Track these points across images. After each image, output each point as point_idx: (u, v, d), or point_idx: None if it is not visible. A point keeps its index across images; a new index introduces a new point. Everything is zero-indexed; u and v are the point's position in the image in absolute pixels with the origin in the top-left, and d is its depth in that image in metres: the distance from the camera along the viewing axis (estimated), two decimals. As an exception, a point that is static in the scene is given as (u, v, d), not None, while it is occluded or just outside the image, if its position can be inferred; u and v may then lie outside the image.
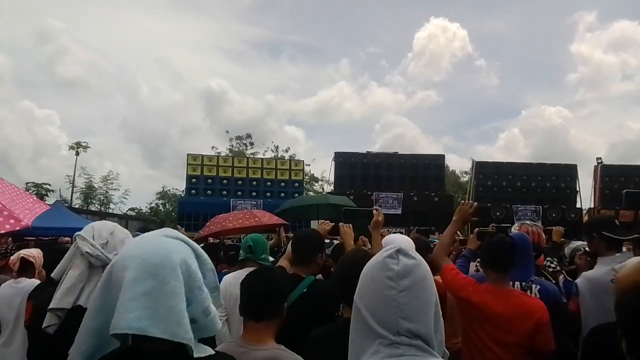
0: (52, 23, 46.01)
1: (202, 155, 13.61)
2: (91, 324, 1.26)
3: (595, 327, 1.97)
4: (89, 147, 25.23)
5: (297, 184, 14.40)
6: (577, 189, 15.40)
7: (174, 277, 1.16)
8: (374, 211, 2.90)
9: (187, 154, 13.36)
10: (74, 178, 24.16)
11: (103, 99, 51.11)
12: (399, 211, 13.80)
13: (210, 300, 1.26)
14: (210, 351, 1.25)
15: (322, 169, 31.63)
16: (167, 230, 1.33)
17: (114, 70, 52.14)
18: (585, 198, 15.52)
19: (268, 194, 13.65)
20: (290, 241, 3.12)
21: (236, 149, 30.97)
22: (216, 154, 23.30)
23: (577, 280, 3.00)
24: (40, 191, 21.79)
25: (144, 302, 1.12)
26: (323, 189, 28.69)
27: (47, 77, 46.31)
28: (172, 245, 1.24)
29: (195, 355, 1.16)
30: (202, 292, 1.23)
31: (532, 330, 2.45)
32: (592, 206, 14.99)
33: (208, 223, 7.07)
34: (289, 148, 32.77)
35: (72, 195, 24.17)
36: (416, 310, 1.03)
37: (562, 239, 4.23)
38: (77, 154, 24.41)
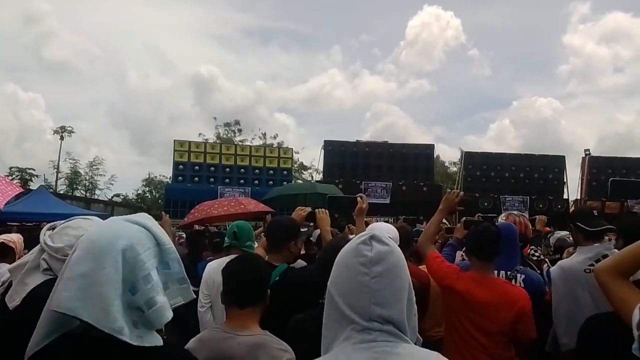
0: (39, 5, 45.28)
1: (190, 142, 13.54)
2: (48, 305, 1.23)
3: (591, 316, 1.95)
4: (73, 132, 25.03)
5: (285, 172, 14.37)
6: (565, 180, 15.56)
7: (112, 263, 1.13)
8: (358, 198, 2.87)
9: (174, 140, 13.28)
10: (58, 163, 23.90)
11: (90, 83, 50.65)
12: (387, 200, 13.84)
13: (158, 292, 1.19)
14: (158, 342, 1.21)
15: (311, 157, 31.58)
16: (139, 216, 1.30)
17: (102, 55, 51.61)
18: (573, 189, 15.70)
19: (256, 181, 13.61)
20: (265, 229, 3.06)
21: (224, 136, 30.75)
22: (203, 140, 23.14)
23: (552, 269, 3.01)
24: (24, 176, 21.55)
25: (79, 283, 1.11)
26: (312, 177, 28.72)
27: (33, 60, 45.66)
28: (125, 230, 1.21)
29: (135, 344, 1.13)
30: (148, 282, 1.18)
31: (514, 319, 2.46)
32: (579, 197, 15.14)
33: (193, 210, 7.01)
34: (277, 135, 32.72)
35: (56, 181, 23.92)
36: (389, 297, 1.03)
37: (547, 229, 4.25)
38: (62, 138, 24.21)
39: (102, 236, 1.18)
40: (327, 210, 3.05)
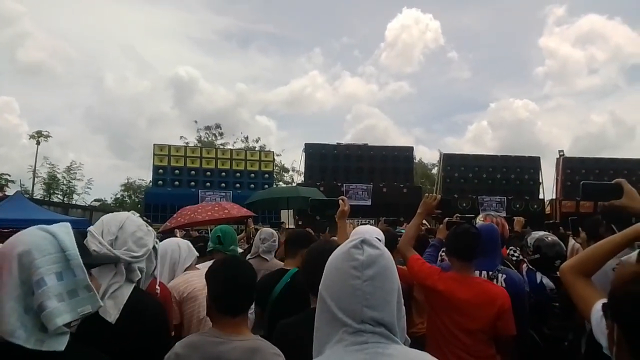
0: (13, 6, 44.02)
1: (170, 146, 13.37)
2: None
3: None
4: (50, 136, 24.45)
5: (267, 175, 14.33)
6: (540, 181, 15.90)
7: (7, 267, 1.18)
8: (340, 201, 2.91)
9: (154, 144, 13.10)
10: (34, 168, 23.36)
11: (66, 86, 49.65)
12: (368, 202, 13.93)
13: (49, 297, 1.20)
14: (59, 347, 1.21)
15: (293, 160, 31.54)
16: (56, 225, 1.33)
17: (78, 57, 50.55)
18: (548, 189, 16.05)
19: (237, 185, 13.55)
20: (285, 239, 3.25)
21: (205, 140, 30.49)
22: (184, 144, 22.90)
23: None
24: None
25: None
26: (293, 179, 28.66)
27: (7, 62, 44.43)
28: (27, 237, 1.24)
29: (30, 347, 1.16)
30: (40, 287, 1.19)
31: (495, 317, 2.52)
32: (554, 197, 15.49)
33: (175, 215, 6.96)
34: (259, 138, 32.58)
35: (33, 186, 23.37)
36: (380, 299, 1.05)
37: (524, 229, 4.34)
38: (38, 143, 23.67)
39: (5, 244, 1.23)
40: None
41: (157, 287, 2.19)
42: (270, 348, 1.76)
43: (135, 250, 1.85)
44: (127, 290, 1.78)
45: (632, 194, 1.94)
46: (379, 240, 1.76)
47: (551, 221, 11.42)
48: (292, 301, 2.35)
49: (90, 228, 1.90)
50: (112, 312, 1.70)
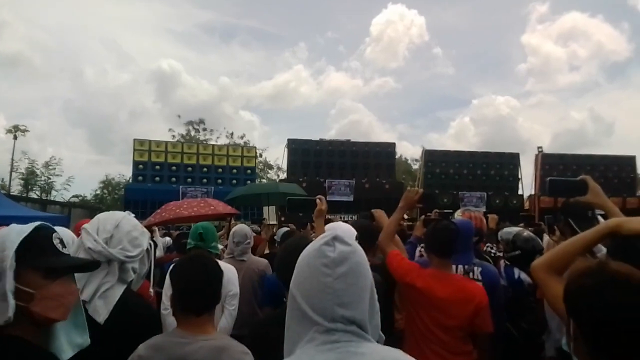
0: (-11, -5, 42.79)
1: (150, 141, 13.17)
2: None
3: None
4: (27, 130, 23.94)
5: (249, 171, 14.26)
6: (519, 177, 16.12)
7: None
8: (318, 200, 2.90)
9: (134, 139, 12.92)
10: (12, 163, 22.85)
11: (44, 79, 48.63)
12: (350, 198, 13.97)
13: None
14: None
15: (277, 156, 31.46)
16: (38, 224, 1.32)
17: (58, 49, 49.50)
18: (527, 185, 16.28)
19: (219, 180, 13.44)
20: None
21: (190, 136, 30.22)
22: (172, 137, 22.65)
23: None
24: (-26, 177, 20.45)
25: None
26: (278, 176, 28.57)
27: (-17, 53, 43.25)
28: None
29: None
30: None
31: (472, 314, 2.54)
32: (533, 193, 15.74)
33: (159, 210, 6.84)
34: (244, 135, 32.41)
35: (10, 182, 22.86)
36: (352, 297, 1.03)
37: (498, 225, 4.40)
38: (15, 137, 23.14)
39: None
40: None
41: (151, 290, 2.19)
42: (237, 346, 1.73)
43: (130, 250, 1.83)
44: (119, 290, 1.77)
45: (596, 190, 1.98)
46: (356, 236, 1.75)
47: (526, 213, 11.62)
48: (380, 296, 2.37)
49: (85, 225, 1.88)
50: (101, 312, 1.69)
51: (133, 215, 2.02)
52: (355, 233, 2.60)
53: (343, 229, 2.68)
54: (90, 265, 1.50)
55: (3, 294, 1.19)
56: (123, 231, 1.86)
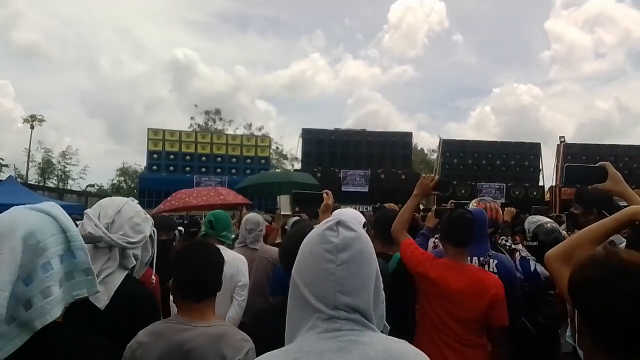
0: (6, -16, 43.43)
1: (164, 130, 13.24)
2: None
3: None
4: (44, 120, 24.35)
5: (263, 161, 14.24)
6: (540, 167, 15.77)
7: (9, 248, 1.07)
8: (324, 194, 2.81)
9: (148, 129, 13.01)
10: (29, 153, 23.27)
11: (61, 69, 49.36)
12: (366, 189, 13.84)
13: (55, 282, 1.13)
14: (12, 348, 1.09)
15: (291, 147, 31.53)
16: (43, 204, 1.25)
17: (73, 39, 50.14)
18: (549, 176, 15.92)
19: (233, 170, 13.45)
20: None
21: (205, 125, 30.46)
22: (190, 126, 22.83)
23: None
24: (-7, 166, 20.87)
25: None
26: (292, 166, 28.62)
27: (1, 45, 44.00)
28: (25, 217, 1.15)
29: None
30: (47, 271, 1.12)
31: (487, 306, 2.46)
32: (554, 184, 15.37)
33: (169, 198, 6.88)
34: (262, 127, 32.50)
35: (27, 171, 23.29)
36: (355, 284, 1.00)
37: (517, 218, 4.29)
38: (32, 127, 23.56)
39: (1, 225, 1.11)
40: None
41: (153, 277, 2.16)
42: (237, 334, 1.73)
43: (132, 236, 1.83)
44: (119, 276, 1.77)
45: (615, 177, 1.87)
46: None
47: (538, 206, 11.29)
48: (402, 287, 2.42)
49: (87, 210, 1.88)
50: (102, 297, 1.69)
51: (136, 201, 2.00)
52: (364, 220, 2.53)
53: (350, 215, 2.59)
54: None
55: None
56: (125, 217, 1.86)
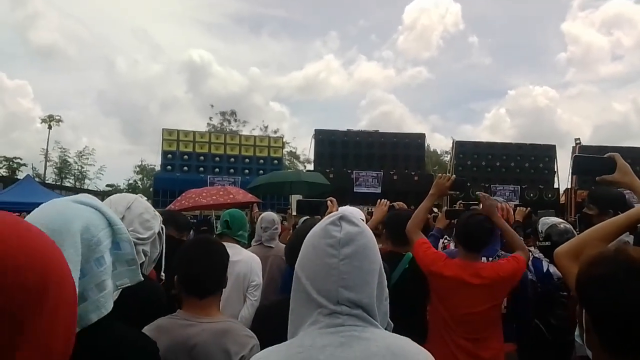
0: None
1: (178, 131, 13.31)
2: None
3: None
4: (62, 120, 24.72)
5: (276, 161, 14.25)
6: (555, 170, 15.55)
7: (71, 244, 1.06)
8: (329, 202, 2.81)
9: (163, 129, 13.09)
10: (46, 153, 23.64)
11: (78, 69, 50.07)
12: (378, 190, 13.75)
13: (108, 276, 1.14)
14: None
15: (303, 148, 31.65)
16: (82, 196, 1.24)
17: (90, 40, 50.76)
18: (564, 178, 15.70)
19: (246, 170, 13.48)
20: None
21: (221, 126, 30.69)
22: (207, 126, 22.98)
23: None
24: (11, 165, 21.24)
25: None
26: (305, 166, 28.67)
27: (19, 44, 44.78)
28: (76, 211, 1.14)
29: None
30: (101, 265, 1.13)
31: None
32: (569, 186, 15.16)
33: (179, 197, 6.92)
34: (277, 129, 32.65)
35: (45, 170, 23.65)
36: (357, 280, 1.00)
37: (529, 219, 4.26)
38: (50, 127, 23.92)
39: (53, 219, 1.08)
40: None
41: (162, 274, 2.17)
42: (241, 330, 1.74)
43: (141, 232, 1.83)
44: None
45: (624, 168, 1.82)
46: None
47: (543, 210, 11.10)
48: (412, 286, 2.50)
49: None
50: None
51: (145, 198, 2.01)
52: (364, 217, 2.56)
53: (351, 211, 2.60)
54: None
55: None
56: (135, 213, 1.86)
